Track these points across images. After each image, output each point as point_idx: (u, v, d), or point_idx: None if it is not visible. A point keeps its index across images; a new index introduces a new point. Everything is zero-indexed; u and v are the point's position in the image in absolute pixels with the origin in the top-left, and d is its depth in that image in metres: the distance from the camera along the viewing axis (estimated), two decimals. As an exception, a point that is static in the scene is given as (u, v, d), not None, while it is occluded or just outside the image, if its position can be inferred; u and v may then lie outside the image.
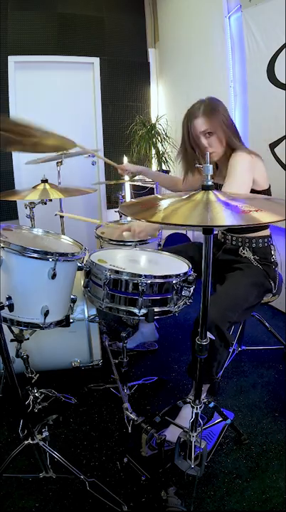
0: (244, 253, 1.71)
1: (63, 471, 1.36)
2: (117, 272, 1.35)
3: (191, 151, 1.70)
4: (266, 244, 1.72)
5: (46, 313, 1.33)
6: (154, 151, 3.86)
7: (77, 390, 1.87)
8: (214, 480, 1.40)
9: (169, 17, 3.85)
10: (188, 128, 1.64)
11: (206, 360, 1.34)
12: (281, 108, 2.34)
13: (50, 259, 1.30)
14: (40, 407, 1.64)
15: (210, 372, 1.48)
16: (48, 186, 2.11)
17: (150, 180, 3.89)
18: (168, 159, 3.91)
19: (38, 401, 1.64)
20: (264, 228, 1.72)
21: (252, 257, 1.70)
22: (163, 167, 3.98)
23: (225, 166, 1.65)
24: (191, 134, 1.65)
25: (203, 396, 1.51)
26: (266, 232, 1.73)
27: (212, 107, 1.60)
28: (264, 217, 0.85)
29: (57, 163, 2.69)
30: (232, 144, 1.62)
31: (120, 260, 1.62)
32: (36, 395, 1.63)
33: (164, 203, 1.00)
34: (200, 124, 1.60)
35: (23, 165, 3.65)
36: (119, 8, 3.96)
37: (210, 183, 0.99)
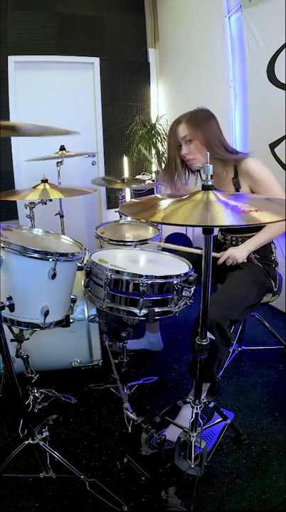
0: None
1: (63, 471, 1.36)
2: (117, 272, 1.35)
3: (174, 158, 1.72)
4: (266, 243, 1.72)
5: (46, 313, 1.33)
6: (154, 151, 3.86)
7: (77, 390, 1.87)
8: (214, 480, 1.40)
9: (169, 17, 3.85)
10: (171, 134, 1.69)
11: (207, 359, 1.34)
12: (281, 108, 2.34)
13: (51, 259, 1.30)
14: (40, 407, 1.64)
15: (211, 371, 1.49)
16: (48, 186, 2.11)
17: (150, 180, 3.90)
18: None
19: (38, 401, 1.64)
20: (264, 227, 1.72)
21: (252, 255, 1.70)
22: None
23: (215, 174, 1.69)
24: (172, 140, 1.69)
25: (203, 396, 1.51)
26: None
27: (197, 117, 1.63)
28: (264, 217, 0.85)
29: (57, 163, 2.69)
30: (217, 155, 1.61)
31: (121, 260, 1.62)
32: (36, 395, 1.63)
33: (164, 203, 1.00)
34: (182, 129, 1.64)
35: (23, 165, 3.65)
36: (119, 8, 3.95)
37: (210, 183, 0.99)
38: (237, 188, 1.67)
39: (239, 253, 1.63)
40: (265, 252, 1.72)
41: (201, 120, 1.62)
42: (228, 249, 1.66)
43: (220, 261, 1.66)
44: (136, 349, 2.23)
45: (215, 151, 1.60)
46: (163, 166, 3.88)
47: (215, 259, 1.67)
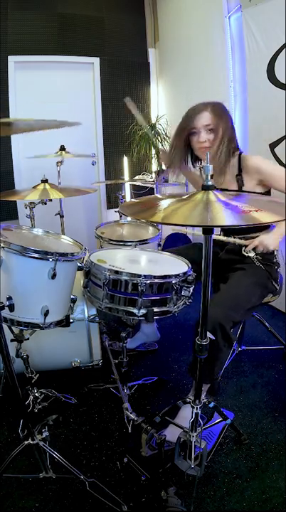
0: (247, 253, 1.71)
1: (63, 471, 1.36)
2: (116, 272, 1.35)
3: (182, 145, 1.71)
4: None
5: (46, 313, 1.33)
6: (154, 151, 3.86)
7: (77, 390, 1.87)
8: (214, 480, 1.40)
9: (169, 17, 3.85)
10: (189, 121, 1.64)
11: (209, 360, 1.34)
12: (281, 108, 2.34)
13: (50, 259, 1.30)
14: (40, 407, 1.64)
15: (212, 372, 1.48)
16: (48, 186, 2.11)
17: (150, 180, 3.90)
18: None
19: (38, 401, 1.64)
20: (266, 228, 1.71)
21: (254, 257, 1.70)
22: (164, 167, 3.97)
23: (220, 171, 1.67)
24: (189, 127, 1.65)
25: (203, 396, 1.50)
26: None
27: (221, 109, 1.64)
28: (264, 217, 0.85)
29: (57, 163, 2.69)
30: (230, 149, 1.62)
31: (120, 260, 1.62)
32: (36, 395, 1.63)
33: (164, 203, 1.00)
34: (206, 118, 1.61)
35: (23, 165, 3.66)
36: (119, 8, 3.96)
37: (210, 183, 0.99)
38: (241, 186, 1.66)
39: (271, 240, 1.58)
40: (267, 254, 1.71)
41: (222, 112, 1.63)
42: (259, 236, 1.61)
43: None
44: (135, 348, 2.23)
45: (230, 144, 1.61)
46: (163, 165, 3.88)
47: (238, 247, 1.64)
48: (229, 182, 1.70)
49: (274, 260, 1.73)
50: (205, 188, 0.99)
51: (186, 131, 1.67)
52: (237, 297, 1.53)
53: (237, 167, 1.67)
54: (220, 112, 1.62)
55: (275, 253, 1.74)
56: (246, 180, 1.65)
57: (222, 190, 1.67)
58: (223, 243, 1.84)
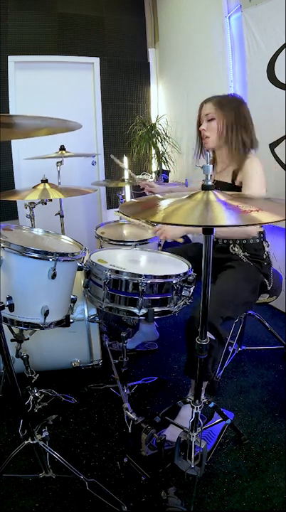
0: (234, 250, 1.72)
1: (63, 471, 1.36)
2: (117, 271, 1.35)
3: (197, 135, 1.82)
4: (258, 241, 1.72)
5: (46, 313, 1.33)
6: (154, 151, 3.86)
7: (77, 390, 1.87)
8: (214, 480, 1.40)
9: (169, 17, 3.85)
10: (199, 110, 1.76)
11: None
12: (281, 108, 2.34)
13: (51, 259, 1.30)
14: (40, 407, 1.64)
15: (205, 369, 1.48)
16: (48, 186, 2.11)
17: (150, 180, 3.90)
18: (168, 159, 3.91)
19: (38, 401, 1.64)
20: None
21: (242, 253, 1.70)
22: (163, 167, 3.98)
23: (222, 162, 1.76)
24: (198, 117, 1.77)
25: (203, 396, 1.50)
26: (258, 229, 1.73)
27: (227, 101, 1.69)
28: (264, 217, 0.85)
29: (57, 163, 2.69)
30: (232, 141, 1.65)
31: (120, 260, 1.61)
32: (36, 395, 1.63)
33: (164, 203, 1.00)
34: (207, 108, 1.71)
35: (23, 165, 3.65)
36: (119, 8, 3.95)
37: (210, 183, 0.99)
38: (233, 179, 1.69)
39: (172, 231, 1.68)
40: (255, 251, 1.71)
41: (228, 103, 1.68)
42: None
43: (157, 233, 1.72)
44: (134, 348, 2.23)
45: (241, 134, 1.65)
46: (163, 165, 3.90)
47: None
48: (227, 174, 1.73)
49: (264, 256, 1.73)
50: (205, 188, 0.99)
51: (197, 122, 1.79)
52: (224, 292, 1.53)
53: (237, 163, 1.68)
54: (225, 102, 1.68)
55: (266, 249, 1.74)
56: (239, 175, 1.68)
57: (218, 182, 1.74)
58: (214, 242, 1.84)
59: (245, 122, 1.67)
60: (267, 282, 1.72)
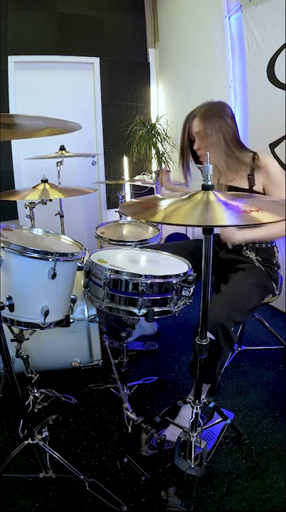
0: (247, 253, 1.71)
1: (63, 471, 1.36)
2: (117, 271, 1.35)
3: (186, 149, 1.76)
4: (269, 245, 1.71)
5: (46, 313, 1.33)
6: (154, 151, 3.86)
7: (77, 390, 1.87)
8: (214, 480, 1.40)
9: (169, 17, 3.85)
10: (186, 127, 1.71)
11: (210, 361, 1.34)
12: (281, 108, 2.34)
13: (50, 259, 1.30)
14: (40, 407, 1.64)
15: (213, 373, 1.48)
16: (48, 186, 2.11)
17: (150, 180, 3.91)
18: (168, 159, 3.91)
19: (38, 401, 1.64)
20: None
21: (254, 257, 1.70)
22: (163, 167, 3.98)
23: (229, 171, 1.69)
24: (186, 134, 1.71)
25: (203, 396, 1.51)
26: None
27: (212, 112, 1.63)
28: (264, 217, 0.85)
29: (57, 163, 2.69)
30: (230, 152, 1.63)
31: (120, 260, 1.61)
32: (36, 395, 1.63)
33: (164, 203, 1.00)
34: (196, 125, 1.66)
35: (23, 165, 3.65)
36: (119, 8, 3.96)
37: (210, 183, 0.99)
38: (252, 185, 1.66)
39: (235, 236, 1.61)
40: (267, 255, 1.71)
41: (213, 115, 1.63)
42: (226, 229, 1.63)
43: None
44: (132, 341, 2.22)
45: (229, 148, 1.62)
46: (163, 165, 3.89)
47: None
48: (241, 179, 1.70)
49: (274, 261, 1.72)
50: (205, 188, 0.99)
51: (185, 135, 1.73)
52: (238, 298, 1.53)
53: (250, 166, 1.66)
54: (210, 115, 1.63)
55: (276, 254, 1.74)
56: (257, 179, 1.65)
57: (232, 188, 1.70)
58: (224, 243, 1.84)
59: (233, 124, 1.65)
60: (275, 287, 1.71)
